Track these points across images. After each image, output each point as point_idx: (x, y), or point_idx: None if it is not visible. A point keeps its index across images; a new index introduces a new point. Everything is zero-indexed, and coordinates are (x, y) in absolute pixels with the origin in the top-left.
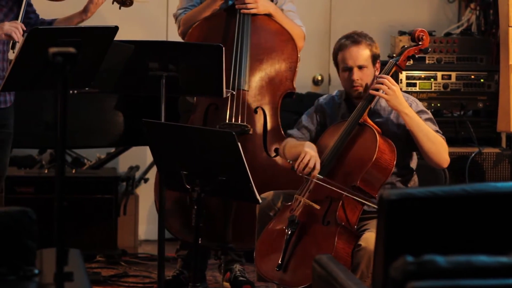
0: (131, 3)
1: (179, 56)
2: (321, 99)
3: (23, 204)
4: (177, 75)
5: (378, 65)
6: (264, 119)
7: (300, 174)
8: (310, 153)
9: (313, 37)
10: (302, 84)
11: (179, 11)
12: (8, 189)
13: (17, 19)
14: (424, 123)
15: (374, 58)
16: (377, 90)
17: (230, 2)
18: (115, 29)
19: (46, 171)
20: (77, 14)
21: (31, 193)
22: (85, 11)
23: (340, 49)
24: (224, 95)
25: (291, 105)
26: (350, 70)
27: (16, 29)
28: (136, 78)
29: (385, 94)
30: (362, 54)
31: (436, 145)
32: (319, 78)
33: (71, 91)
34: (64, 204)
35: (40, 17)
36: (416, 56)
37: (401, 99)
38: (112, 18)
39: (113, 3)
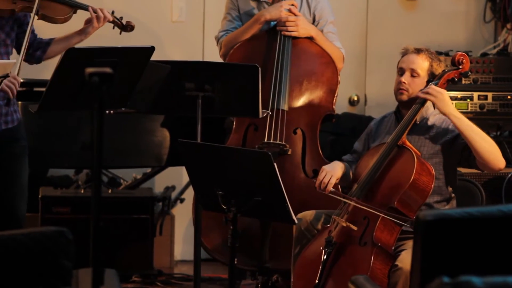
0: (132, 29)
1: (215, 76)
2: (373, 121)
3: (60, 224)
4: (213, 96)
5: None
6: (303, 140)
7: (319, 191)
8: (325, 170)
9: (349, 57)
10: (338, 104)
11: (220, 33)
12: (45, 209)
13: (17, 38)
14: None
15: (432, 74)
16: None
17: (272, 24)
18: (151, 49)
19: (82, 191)
20: (76, 34)
21: (67, 213)
22: (84, 32)
23: (402, 54)
24: (260, 116)
25: (327, 126)
26: (402, 73)
27: (13, 86)
28: (172, 98)
29: (433, 96)
30: (418, 61)
31: (490, 144)
32: (355, 98)
33: (107, 111)
34: (100, 224)
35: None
36: (456, 79)
37: (449, 102)
38: (149, 38)
39: (113, 28)
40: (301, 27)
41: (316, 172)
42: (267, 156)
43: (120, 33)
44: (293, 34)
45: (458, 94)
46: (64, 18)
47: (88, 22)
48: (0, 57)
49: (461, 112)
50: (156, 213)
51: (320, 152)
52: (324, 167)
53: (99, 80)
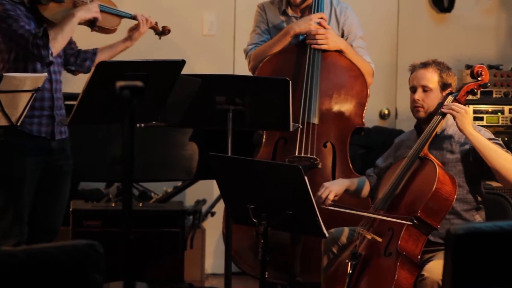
0: (168, 32)
1: (246, 90)
2: (397, 138)
3: (90, 238)
4: (244, 109)
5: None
6: (333, 153)
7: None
8: (325, 185)
9: (379, 71)
10: (369, 118)
11: (249, 47)
12: (76, 222)
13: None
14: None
15: (444, 85)
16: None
17: (301, 37)
18: (182, 63)
19: (113, 205)
20: (121, 42)
21: (98, 227)
22: (129, 38)
23: (411, 71)
24: (291, 129)
25: (357, 139)
26: (414, 90)
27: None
28: (203, 112)
29: (456, 112)
30: (427, 76)
31: (509, 162)
32: (386, 112)
33: (138, 125)
34: (131, 237)
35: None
36: (476, 91)
37: (469, 120)
38: (179, 51)
39: (155, 34)
40: (330, 40)
41: None
42: (298, 170)
43: (160, 38)
44: (323, 47)
45: (489, 107)
46: (115, 29)
47: (133, 29)
48: (58, 67)
49: (492, 126)
50: (187, 226)
51: (350, 165)
52: (325, 183)
53: (130, 94)
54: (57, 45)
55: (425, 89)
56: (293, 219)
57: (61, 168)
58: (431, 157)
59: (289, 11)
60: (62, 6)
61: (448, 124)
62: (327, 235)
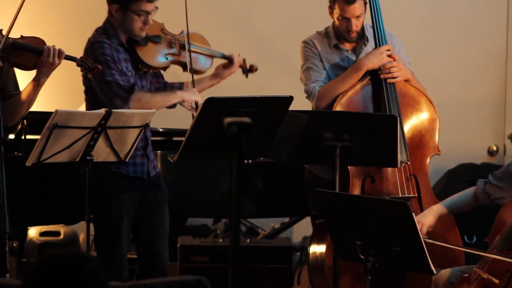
0: (255, 70)
1: (353, 126)
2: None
3: (198, 273)
4: (351, 145)
5: None
6: (416, 185)
7: None
8: (419, 222)
9: (487, 106)
10: (477, 154)
11: (311, 85)
12: (183, 258)
13: (148, 83)
14: None
15: None
16: None
17: (366, 72)
18: (290, 99)
19: (220, 240)
20: (208, 79)
21: (206, 262)
22: (218, 76)
23: None
24: (399, 166)
25: (465, 175)
26: None
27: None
28: (311, 148)
29: None
30: None
31: None
32: (494, 148)
33: (246, 161)
34: (238, 273)
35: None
36: None
37: None
38: (286, 87)
39: (243, 74)
40: (403, 71)
41: None
42: (405, 206)
43: (247, 77)
44: (398, 79)
45: None
46: (207, 69)
47: (224, 67)
48: None
49: None
50: (294, 262)
51: (433, 194)
52: (415, 217)
53: (238, 130)
54: (136, 107)
55: None
56: (401, 256)
57: (156, 196)
58: None
59: (341, 45)
60: (159, 46)
61: None
62: (434, 272)
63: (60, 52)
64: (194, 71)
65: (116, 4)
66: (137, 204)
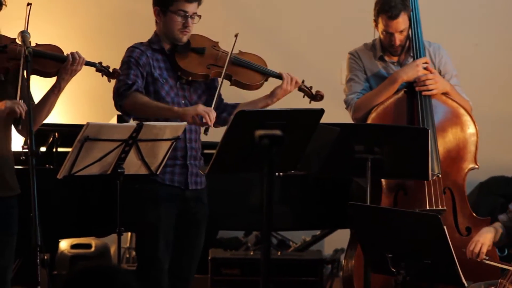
0: (321, 98)
1: (384, 138)
2: None
3: (229, 286)
4: (382, 158)
5: None
6: (452, 199)
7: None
8: (475, 240)
9: None
10: (509, 167)
11: (350, 96)
12: (214, 270)
13: (195, 96)
14: None
15: None
16: None
17: (403, 84)
18: (321, 111)
19: (251, 253)
20: (262, 98)
21: (237, 275)
22: (272, 96)
23: None
24: (430, 178)
25: (498, 189)
26: None
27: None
28: (342, 160)
29: None
30: None
31: None
32: None
33: (277, 174)
34: (269, 286)
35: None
36: None
37: None
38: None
39: (303, 97)
40: (440, 84)
41: (469, 230)
42: (436, 219)
43: (310, 102)
44: (433, 92)
45: None
46: (256, 85)
47: (278, 87)
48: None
49: None
50: (325, 275)
51: (469, 207)
52: (474, 237)
53: (269, 143)
54: (130, 107)
55: None
56: (432, 268)
57: (195, 216)
58: None
59: (386, 57)
60: (201, 57)
61: None
62: (466, 284)
63: (82, 59)
64: (238, 84)
65: (157, 6)
66: (176, 214)
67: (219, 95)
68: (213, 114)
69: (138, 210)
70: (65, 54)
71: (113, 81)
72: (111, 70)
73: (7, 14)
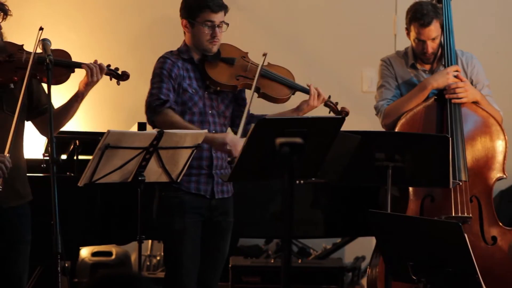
0: (346, 114)
1: (405, 146)
2: None
3: None
4: (403, 166)
5: None
6: (478, 207)
7: None
8: None
9: None
10: None
11: (380, 103)
12: (235, 278)
13: (223, 106)
14: None
15: None
16: None
17: (433, 92)
18: (341, 119)
19: (272, 261)
20: (289, 111)
21: (257, 283)
22: (298, 109)
23: None
24: (451, 186)
25: None
26: None
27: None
28: (362, 168)
29: None
30: None
31: None
32: None
33: (297, 181)
34: None
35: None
36: None
37: None
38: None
39: (329, 113)
40: (470, 92)
41: (495, 239)
42: (457, 227)
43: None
44: (463, 100)
45: None
46: (283, 99)
47: (305, 101)
48: (220, 127)
49: None
50: (345, 283)
51: (496, 217)
52: None
53: (290, 150)
54: (161, 125)
55: None
56: (453, 277)
57: (220, 224)
58: None
59: (418, 65)
60: (230, 67)
61: None
62: None
63: (101, 68)
64: (266, 97)
65: (184, 19)
66: (201, 222)
67: (245, 104)
68: (240, 146)
69: (164, 218)
70: (80, 62)
71: (126, 87)
72: (119, 72)
73: (17, 18)
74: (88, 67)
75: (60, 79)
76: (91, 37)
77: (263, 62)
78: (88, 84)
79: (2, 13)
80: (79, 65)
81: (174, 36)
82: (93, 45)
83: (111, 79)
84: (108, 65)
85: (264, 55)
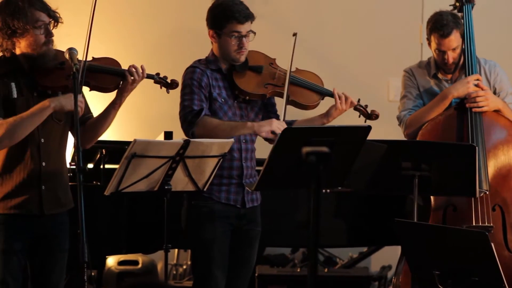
0: (376, 117)
1: (432, 155)
2: None
3: None
4: (429, 175)
5: None
6: (502, 216)
7: None
8: None
9: None
10: None
11: (403, 113)
12: (261, 287)
13: (253, 114)
14: None
15: None
16: None
17: (455, 100)
18: (368, 128)
19: (298, 270)
20: (318, 117)
21: None
22: (327, 115)
23: None
24: (477, 195)
25: None
26: None
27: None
28: (388, 177)
29: None
30: None
31: None
32: None
33: (324, 190)
34: None
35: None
36: None
37: None
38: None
39: (359, 117)
40: (490, 101)
41: None
42: (484, 236)
43: (365, 121)
44: (484, 109)
45: None
46: (313, 106)
47: (333, 106)
48: (250, 135)
49: None
50: None
51: None
52: None
53: (316, 159)
54: (201, 132)
55: None
56: (479, 286)
57: (248, 232)
58: None
59: (440, 75)
60: (258, 76)
61: None
62: None
63: (143, 70)
64: (295, 104)
65: (211, 29)
66: (230, 231)
67: (276, 111)
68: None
69: (194, 226)
70: (122, 68)
71: (151, 96)
72: (169, 80)
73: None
74: (129, 71)
75: (109, 87)
76: (115, 45)
77: (294, 46)
78: (126, 90)
79: (53, 21)
80: (122, 71)
81: (203, 44)
82: (116, 53)
83: (161, 88)
84: (157, 73)
85: (294, 35)
